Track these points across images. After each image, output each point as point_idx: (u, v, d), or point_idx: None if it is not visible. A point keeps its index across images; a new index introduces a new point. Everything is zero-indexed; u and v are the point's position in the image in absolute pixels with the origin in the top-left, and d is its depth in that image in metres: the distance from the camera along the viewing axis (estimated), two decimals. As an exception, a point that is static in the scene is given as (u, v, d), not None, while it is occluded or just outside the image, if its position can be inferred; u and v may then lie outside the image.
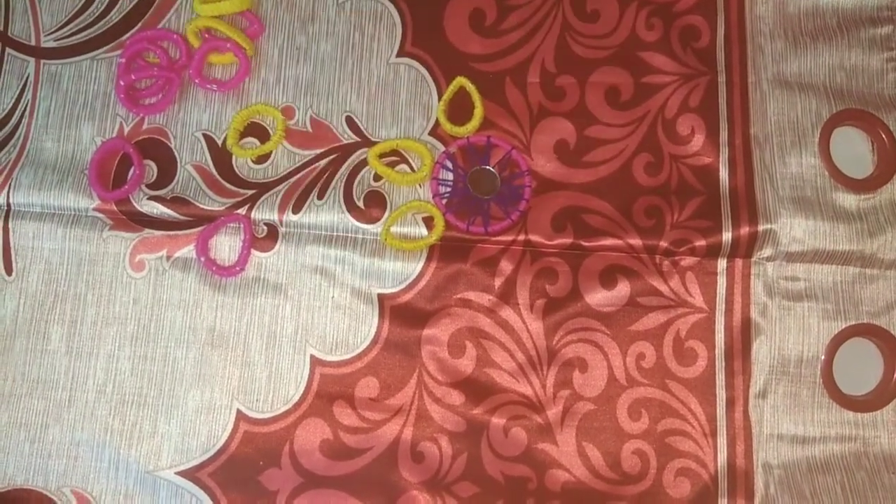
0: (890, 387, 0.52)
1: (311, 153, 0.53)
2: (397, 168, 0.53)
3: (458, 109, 0.53)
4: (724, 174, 0.53)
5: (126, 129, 0.54)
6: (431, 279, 0.52)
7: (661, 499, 0.50)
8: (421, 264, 0.52)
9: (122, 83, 0.53)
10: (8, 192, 0.52)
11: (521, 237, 0.52)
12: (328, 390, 0.51)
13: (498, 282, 0.52)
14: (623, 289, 0.52)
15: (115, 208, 0.52)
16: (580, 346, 0.52)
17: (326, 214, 0.52)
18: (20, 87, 0.54)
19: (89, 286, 0.52)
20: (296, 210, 0.52)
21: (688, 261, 0.52)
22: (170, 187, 0.53)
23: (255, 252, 0.52)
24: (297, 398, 0.51)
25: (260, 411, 0.51)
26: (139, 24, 0.55)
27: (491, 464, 0.50)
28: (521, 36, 0.55)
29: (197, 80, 0.54)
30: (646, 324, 0.52)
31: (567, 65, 0.54)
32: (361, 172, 0.53)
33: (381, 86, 0.54)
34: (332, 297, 0.52)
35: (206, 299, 0.52)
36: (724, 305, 0.52)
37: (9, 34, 0.55)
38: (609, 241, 0.52)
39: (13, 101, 0.54)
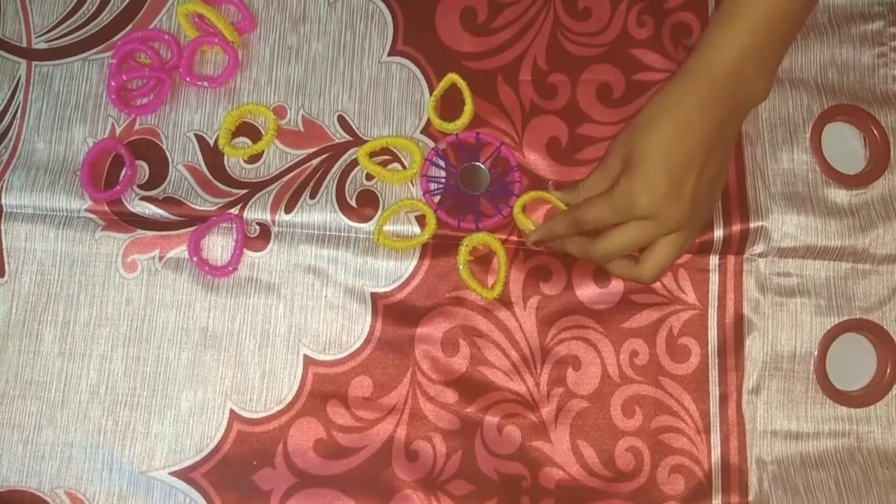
0: (883, 382, 0.52)
1: (303, 152, 0.53)
2: (389, 166, 0.53)
3: (450, 106, 0.53)
4: (715, 171, 0.53)
5: (118, 130, 0.54)
6: (425, 277, 0.52)
7: (656, 496, 0.50)
8: (414, 262, 0.52)
9: (113, 84, 0.53)
10: (0, 194, 0.52)
11: (514, 236, 0.52)
12: (321, 390, 0.51)
13: (491, 279, 0.52)
14: (616, 286, 0.52)
15: (107, 209, 0.52)
16: (574, 344, 0.52)
17: (319, 214, 0.52)
18: (11, 88, 0.54)
19: (82, 287, 0.52)
20: (288, 209, 0.52)
21: (680, 258, 0.52)
22: (162, 188, 0.53)
23: (247, 252, 0.52)
24: (290, 398, 0.51)
25: (253, 411, 0.51)
26: (130, 25, 0.55)
27: (485, 462, 0.50)
28: (512, 34, 0.55)
29: (188, 79, 0.53)
30: (639, 321, 0.52)
31: (559, 62, 0.54)
32: (354, 171, 0.53)
33: (372, 85, 0.54)
34: (325, 296, 0.52)
35: (199, 299, 0.52)
36: (716, 302, 0.52)
37: (0, 36, 0.55)
38: (602, 239, 0.52)
39: (4, 102, 0.54)
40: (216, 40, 0.54)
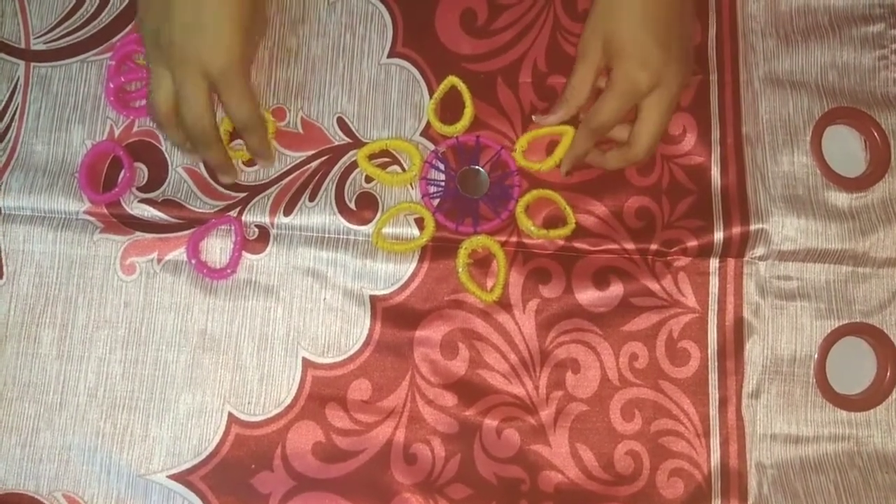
0: (883, 386, 0.52)
1: (302, 155, 0.53)
2: (388, 169, 0.53)
3: (450, 109, 0.53)
4: (715, 173, 0.53)
5: (116, 132, 0.54)
6: (424, 280, 0.52)
7: (655, 500, 0.50)
8: (413, 265, 0.52)
9: (111, 85, 0.53)
10: (-2, 196, 0.52)
11: (514, 238, 0.52)
12: (320, 393, 0.51)
13: (490, 282, 0.52)
14: (616, 289, 0.52)
15: (105, 211, 0.52)
16: (573, 347, 0.51)
17: (318, 216, 0.52)
18: (10, 90, 0.54)
19: (80, 289, 0.52)
20: (287, 212, 0.52)
21: (680, 261, 0.52)
22: (161, 190, 0.53)
23: (246, 254, 0.52)
24: (289, 401, 0.51)
25: (252, 414, 0.50)
26: (129, 27, 0.55)
27: (484, 465, 0.50)
28: (512, 36, 0.55)
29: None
30: (638, 324, 0.52)
31: (559, 64, 0.54)
32: (353, 174, 0.53)
33: (372, 87, 0.54)
34: (324, 298, 0.52)
35: (198, 302, 0.51)
36: (716, 305, 0.52)
37: (-2, 37, 0.55)
38: (601, 242, 0.52)
39: (3, 104, 0.54)
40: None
